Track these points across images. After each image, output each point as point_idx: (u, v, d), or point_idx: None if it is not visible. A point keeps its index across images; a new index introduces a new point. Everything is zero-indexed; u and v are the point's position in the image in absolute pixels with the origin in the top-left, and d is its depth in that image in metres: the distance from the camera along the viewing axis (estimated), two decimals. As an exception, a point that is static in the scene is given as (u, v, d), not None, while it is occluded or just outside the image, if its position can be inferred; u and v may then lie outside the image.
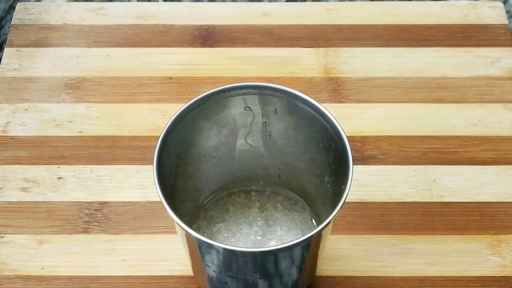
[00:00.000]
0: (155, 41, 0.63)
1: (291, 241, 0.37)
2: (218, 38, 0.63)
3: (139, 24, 0.64)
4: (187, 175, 0.46)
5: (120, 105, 0.59)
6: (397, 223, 0.52)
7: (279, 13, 0.65)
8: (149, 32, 0.63)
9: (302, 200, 0.50)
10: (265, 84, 0.43)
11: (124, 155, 0.56)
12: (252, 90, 0.43)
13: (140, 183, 0.54)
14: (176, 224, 0.39)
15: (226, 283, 0.42)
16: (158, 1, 0.68)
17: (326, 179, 0.45)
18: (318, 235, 0.39)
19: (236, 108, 0.44)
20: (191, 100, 0.42)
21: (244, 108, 0.44)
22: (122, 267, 0.50)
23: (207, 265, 0.41)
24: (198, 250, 0.41)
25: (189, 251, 0.43)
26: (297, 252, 0.40)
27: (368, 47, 0.62)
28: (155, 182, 0.39)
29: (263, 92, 0.43)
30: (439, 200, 0.53)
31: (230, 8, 0.65)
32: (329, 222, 0.37)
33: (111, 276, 0.50)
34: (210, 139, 0.46)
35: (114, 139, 0.57)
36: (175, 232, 0.48)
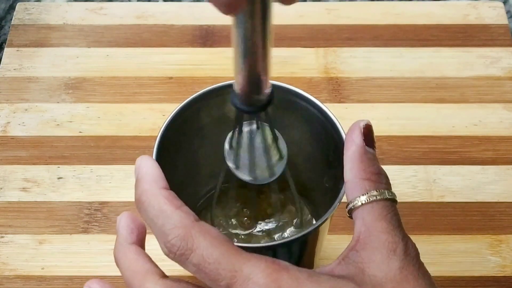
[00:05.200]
0: (155, 41, 0.63)
1: (288, 237, 0.37)
2: (218, 38, 0.63)
3: (139, 24, 0.64)
4: (186, 173, 0.46)
5: (120, 105, 0.59)
6: (397, 223, 0.52)
7: (279, 13, 0.65)
8: (149, 32, 0.63)
9: (302, 197, 0.50)
10: None
11: (124, 155, 0.56)
12: None
13: (140, 183, 0.54)
14: None
15: None
16: (158, 1, 0.68)
17: (325, 177, 0.45)
18: (315, 232, 0.39)
19: None
20: (189, 97, 0.42)
21: None
22: (122, 267, 0.50)
23: None
24: None
25: None
26: (295, 248, 0.40)
27: (368, 47, 0.62)
28: None
29: None
30: (439, 200, 0.53)
31: (230, 8, 0.65)
32: (326, 219, 0.37)
33: (111, 276, 0.49)
34: (209, 136, 0.46)
35: (114, 139, 0.57)
36: (175, 232, 0.48)
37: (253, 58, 0.32)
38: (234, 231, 0.49)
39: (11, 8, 0.68)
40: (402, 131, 0.57)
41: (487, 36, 0.63)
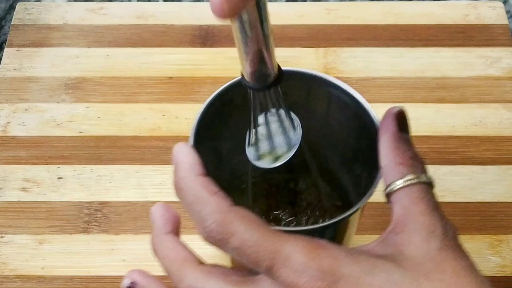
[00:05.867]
0: (155, 41, 0.63)
1: (316, 224, 0.36)
2: (218, 38, 0.63)
3: (139, 24, 0.64)
4: (222, 164, 0.45)
5: (120, 105, 0.59)
6: (397, 223, 0.52)
7: (279, 13, 0.65)
8: (149, 32, 0.63)
9: (333, 188, 0.49)
10: (296, 69, 0.42)
11: (124, 155, 0.56)
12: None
13: (140, 183, 0.54)
14: None
15: None
16: (158, 1, 0.68)
17: (356, 167, 0.44)
18: (346, 222, 0.38)
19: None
20: (218, 89, 0.41)
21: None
22: (122, 267, 0.50)
23: None
24: None
25: None
26: (324, 237, 0.39)
27: (368, 47, 0.62)
28: None
29: (294, 77, 0.42)
30: (439, 200, 0.53)
31: (230, 8, 0.65)
32: (357, 209, 0.37)
33: (111, 276, 0.50)
34: (242, 128, 0.44)
35: (114, 139, 0.57)
36: (175, 232, 0.48)
37: (255, 40, 0.32)
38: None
39: (11, 8, 0.68)
40: (402, 131, 0.57)
41: (487, 36, 0.63)
